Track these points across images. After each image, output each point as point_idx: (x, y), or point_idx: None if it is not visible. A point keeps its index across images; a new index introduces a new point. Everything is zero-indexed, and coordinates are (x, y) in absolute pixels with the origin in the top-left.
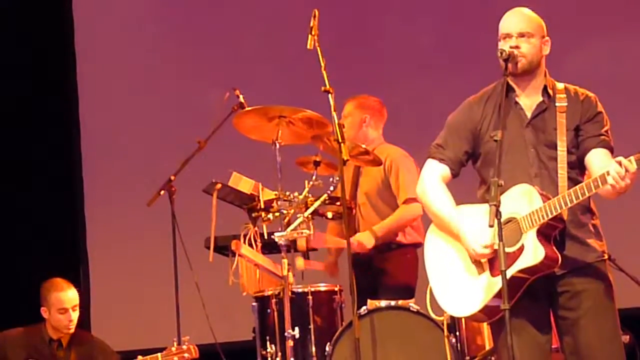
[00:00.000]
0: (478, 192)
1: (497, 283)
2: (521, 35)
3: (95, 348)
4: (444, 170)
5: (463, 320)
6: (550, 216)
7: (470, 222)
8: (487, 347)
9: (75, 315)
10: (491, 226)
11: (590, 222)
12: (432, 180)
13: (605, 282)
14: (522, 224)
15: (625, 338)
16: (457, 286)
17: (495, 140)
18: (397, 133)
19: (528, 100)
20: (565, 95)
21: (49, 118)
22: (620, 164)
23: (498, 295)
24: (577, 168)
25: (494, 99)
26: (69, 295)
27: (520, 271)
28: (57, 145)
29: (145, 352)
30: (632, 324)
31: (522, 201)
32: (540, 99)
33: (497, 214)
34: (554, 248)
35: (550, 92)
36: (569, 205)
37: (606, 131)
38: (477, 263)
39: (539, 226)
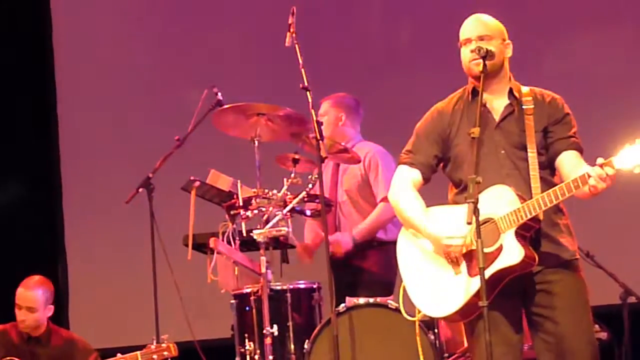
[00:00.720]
0: (449, 196)
1: (475, 283)
2: (481, 38)
3: (74, 345)
4: (416, 175)
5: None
6: (529, 216)
7: (439, 222)
8: (466, 344)
9: (26, 316)
10: (469, 223)
11: (561, 221)
12: (403, 187)
13: (579, 279)
14: (500, 224)
15: (603, 335)
16: (434, 287)
17: (473, 138)
18: (376, 130)
19: (495, 103)
20: (531, 98)
21: (26, 116)
22: (600, 166)
23: (476, 295)
24: (548, 168)
25: (461, 103)
26: (26, 293)
27: (499, 271)
28: (34, 143)
29: (124, 350)
30: (609, 320)
31: (499, 202)
32: (507, 101)
33: (476, 211)
34: (531, 248)
35: (517, 94)
36: (549, 205)
37: (574, 132)
38: (453, 263)
39: (517, 226)
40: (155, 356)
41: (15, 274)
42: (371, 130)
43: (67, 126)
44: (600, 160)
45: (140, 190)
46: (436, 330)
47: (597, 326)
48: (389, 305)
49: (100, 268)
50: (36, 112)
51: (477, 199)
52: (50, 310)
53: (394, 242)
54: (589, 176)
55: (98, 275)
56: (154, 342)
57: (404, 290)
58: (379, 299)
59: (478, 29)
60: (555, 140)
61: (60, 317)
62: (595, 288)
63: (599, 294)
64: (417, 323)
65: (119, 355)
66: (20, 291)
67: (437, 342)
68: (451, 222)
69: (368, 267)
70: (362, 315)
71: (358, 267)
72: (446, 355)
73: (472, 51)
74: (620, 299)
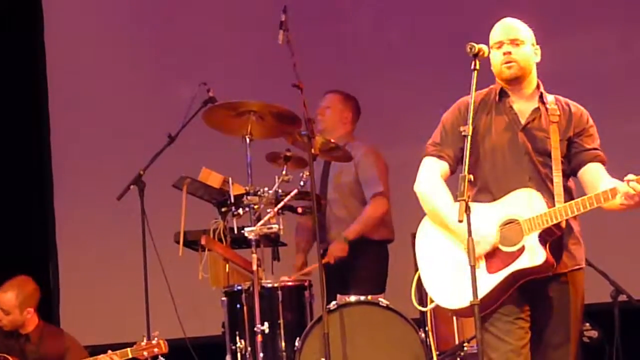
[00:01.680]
0: (470, 193)
1: (493, 280)
2: (512, 42)
3: (65, 343)
4: (444, 167)
5: (431, 315)
6: (554, 222)
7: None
8: (457, 342)
9: (1, 317)
10: (460, 221)
11: (575, 229)
12: (432, 178)
13: (579, 290)
14: (525, 226)
15: (594, 333)
16: (451, 279)
17: (464, 135)
18: (367, 129)
19: (522, 106)
20: (556, 107)
21: (17, 113)
22: (629, 185)
23: (492, 292)
24: (567, 177)
25: (487, 103)
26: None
27: (519, 271)
28: (25, 140)
29: (114, 347)
30: (600, 319)
31: (526, 205)
32: (535, 105)
33: (467, 209)
34: (550, 253)
35: (545, 100)
36: (575, 214)
37: (598, 145)
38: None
39: (541, 230)
40: (145, 353)
41: (6, 272)
42: (362, 128)
43: (58, 123)
44: (631, 177)
45: (132, 187)
46: (427, 328)
47: (587, 324)
48: (380, 303)
49: (92, 265)
50: (27, 109)
51: (468, 197)
52: (29, 313)
53: (385, 241)
54: (618, 192)
55: (89, 272)
56: (145, 339)
57: (418, 280)
58: (370, 297)
59: (510, 32)
60: (580, 151)
61: (51, 314)
62: (586, 286)
63: (589, 292)
64: (428, 313)
65: (109, 352)
66: None
67: (427, 339)
68: (478, 221)
69: (359, 265)
70: (353, 313)
71: (349, 265)
72: (437, 353)
73: (504, 54)
74: (611, 297)
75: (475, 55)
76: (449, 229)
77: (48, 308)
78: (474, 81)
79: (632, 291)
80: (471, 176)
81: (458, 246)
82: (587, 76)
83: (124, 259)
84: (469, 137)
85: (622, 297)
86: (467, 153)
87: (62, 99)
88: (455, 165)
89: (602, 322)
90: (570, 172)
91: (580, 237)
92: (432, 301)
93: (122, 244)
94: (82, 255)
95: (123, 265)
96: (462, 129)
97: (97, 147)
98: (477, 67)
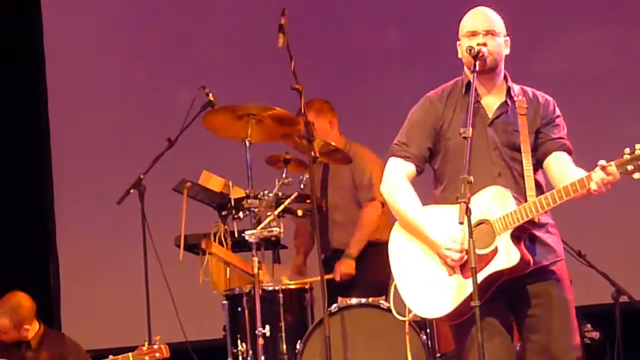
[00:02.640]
0: (435, 192)
1: (469, 285)
2: (488, 32)
3: (66, 348)
4: (409, 168)
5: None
6: (526, 219)
7: (437, 223)
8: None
9: (2, 335)
10: (461, 223)
11: (548, 222)
12: (397, 179)
13: (564, 281)
14: (496, 226)
15: (595, 334)
16: (427, 287)
17: (465, 137)
18: (364, 131)
19: (489, 100)
20: (524, 98)
21: (16, 117)
22: (604, 170)
23: (470, 297)
24: (536, 170)
25: (454, 96)
26: None
27: (495, 273)
28: (26, 143)
29: (116, 352)
30: (601, 320)
31: (495, 203)
32: (503, 99)
33: (467, 210)
34: (525, 250)
35: (512, 93)
36: (546, 209)
37: (565, 134)
38: (447, 264)
39: (512, 229)
40: (147, 357)
41: (7, 275)
42: (358, 130)
43: (58, 127)
44: (602, 162)
45: (132, 191)
46: (429, 330)
47: (588, 325)
48: (381, 306)
49: (92, 269)
50: (27, 111)
51: (469, 199)
52: (26, 330)
53: (386, 243)
54: (590, 180)
55: (90, 276)
56: (146, 343)
57: (395, 289)
58: (370, 299)
59: (486, 22)
60: (545, 141)
61: (52, 318)
62: (587, 287)
63: (590, 293)
64: (407, 323)
65: (111, 356)
66: None
67: (429, 342)
68: (448, 225)
69: (360, 267)
70: (354, 316)
71: None
72: (438, 355)
73: (479, 44)
74: (612, 298)
75: (476, 57)
76: (417, 234)
77: (49, 313)
78: (473, 83)
79: (633, 292)
80: (471, 178)
81: (427, 252)
82: (586, 76)
83: (124, 263)
84: (470, 139)
85: (623, 298)
86: (467, 154)
87: (62, 102)
88: (422, 166)
89: (603, 323)
90: (537, 163)
91: (554, 227)
92: (410, 311)
93: (122, 248)
94: (82, 260)
95: (124, 269)
96: (461, 130)
97: (96, 150)
98: (478, 68)
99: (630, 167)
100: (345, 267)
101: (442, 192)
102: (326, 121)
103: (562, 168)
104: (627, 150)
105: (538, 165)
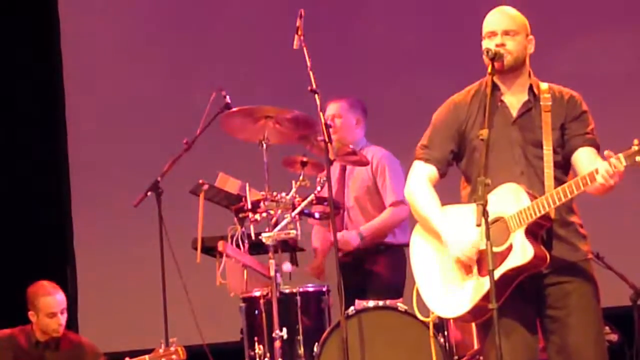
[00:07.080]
0: (462, 192)
1: (486, 283)
2: (506, 33)
3: (83, 349)
4: (431, 171)
5: (451, 319)
6: (538, 214)
7: (454, 223)
8: (476, 347)
9: (63, 319)
10: (478, 225)
11: (575, 221)
12: (418, 182)
13: (591, 282)
14: (510, 223)
15: (614, 337)
16: (445, 287)
17: (482, 140)
18: (383, 133)
19: (513, 99)
20: (549, 95)
21: (34, 120)
22: (609, 162)
23: (487, 296)
24: (562, 167)
25: (478, 97)
26: (57, 299)
27: (509, 270)
28: (43, 146)
29: (133, 354)
30: (619, 322)
31: (509, 200)
32: (526, 97)
33: (485, 213)
34: (542, 247)
35: (536, 91)
36: (557, 203)
37: (592, 130)
38: (464, 264)
39: (527, 225)
40: (163, 359)
41: (24, 277)
42: (378, 133)
43: (75, 130)
44: (607, 153)
45: (149, 193)
46: (446, 333)
47: (607, 328)
48: (398, 308)
49: (109, 271)
50: (44, 113)
51: (487, 201)
52: (64, 318)
53: (403, 246)
54: (597, 172)
55: (107, 278)
56: (163, 345)
57: (417, 290)
58: (388, 302)
59: (504, 22)
60: (572, 137)
61: (69, 320)
62: (605, 289)
63: (608, 295)
64: (430, 324)
65: (127, 358)
66: (49, 299)
67: (447, 344)
68: (460, 222)
69: (377, 270)
70: (371, 318)
71: (367, 271)
72: (456, 358)
73: (497, 45)
74: (631, 300)
75: (493, 59)
76: (435, 235)
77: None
78: (489, 85)
79: None
80: (489, 180)
81: (445, 252)
82: (601, 78)
83: (141, 266)
84: (487, 141)
85: None
86: (483, 156)
87: (79, 105)
88: (445, 169)
89: (621, 325)
90: (563, 159)
91: (582, 228)
92: (433, 312)
93: (139, 251)
94: (99, 262)
95: (141, 271)
96: (479, 132)
97: (114, 153)
98: (494, 70)
99: (638, 158)
100: (349, 237)
101: (468, 193)
102: (354, 118)
103: (588, 163)
104: (636, 141)
105: (565, 162)
